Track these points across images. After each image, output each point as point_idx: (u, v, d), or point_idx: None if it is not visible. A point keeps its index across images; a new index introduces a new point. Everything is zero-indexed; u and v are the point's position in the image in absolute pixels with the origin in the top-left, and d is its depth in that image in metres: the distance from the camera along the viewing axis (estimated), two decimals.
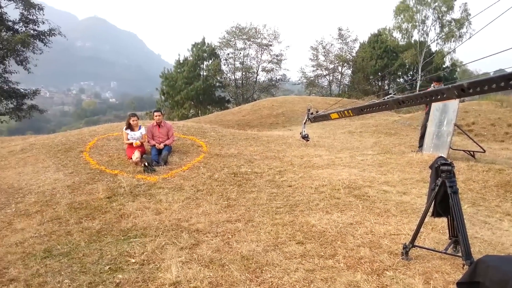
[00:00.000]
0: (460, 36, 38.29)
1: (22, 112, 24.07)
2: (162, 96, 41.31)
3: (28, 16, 23.12)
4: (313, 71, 44.42)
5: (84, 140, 9.57)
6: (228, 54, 41.57)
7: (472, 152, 8.95)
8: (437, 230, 4.86)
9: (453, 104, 8.89)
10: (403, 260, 4.07)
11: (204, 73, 40.15)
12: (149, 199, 6.41)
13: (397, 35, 41.15)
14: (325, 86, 44.99)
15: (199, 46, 40.24)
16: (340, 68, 44.30)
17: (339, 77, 44.85)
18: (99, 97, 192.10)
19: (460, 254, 3.78)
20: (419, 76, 38.91)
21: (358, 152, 9.83)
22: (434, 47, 41.62)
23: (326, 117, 7.90)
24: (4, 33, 21.60)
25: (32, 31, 23.05)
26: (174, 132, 9.23)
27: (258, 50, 41.60)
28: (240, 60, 41.74)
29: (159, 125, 8.80)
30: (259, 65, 42.33)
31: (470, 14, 37.88)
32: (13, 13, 23.22)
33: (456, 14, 38.78)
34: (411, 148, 10.31)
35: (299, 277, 3.75)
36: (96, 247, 4.65)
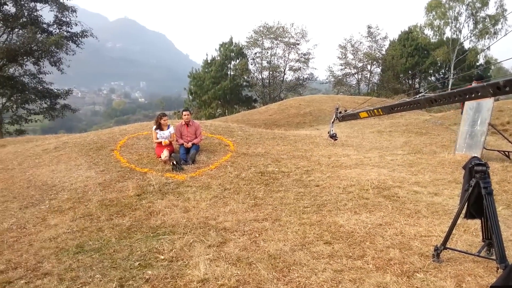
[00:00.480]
0: (495, 33, 37.10)
1: (55, 111, 24.86)
2: (189, 96, 41.79)
3: (62, 18, 23.88)
4: (341, 69, 44.02)
5: (114, 139, 9.79)
6: (256, 53, 41.68)
7: (507, 153, 8.65)
8: (469, 232, 4.71)
9: (488, 103, 8.60)
10: (434, 262, 3.97)
11: (232, 73, 40.38)
12: (177, 197, 6.49)
13: (428, 32, 40.24)
14: (354, 85, 44.46)
15: (226, 46, 40.48)
16: (369, 67, 43.72)
17: (368, 75, 44.27)
18: (128, 97, 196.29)
19: (494, 257, 3.65)
20: (451, 74, 37.89)
21: (387, 152, 9.65)
22: (467, 45, 40.49)
23: (354, 116, 7.79)
24: (39, 35, 22.36)
25: (65, 33, 23.79)
26: (202, 131, 9.32)
27: (285, 49, 41.52)
28: (267, 59, 41.77)
29: (187, 124, 8.91)
30: (286, 64, 42.25)
31: (506, 10, 36.56)
32: (47, 15, 24.02)
33: (491, 10, 37.58)
34: (443, 148, 10.04)
35: (327, 277, 3.71)
36: (126, 244, 4.75)
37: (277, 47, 41.47)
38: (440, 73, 43.72)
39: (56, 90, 25.14)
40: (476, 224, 4.61)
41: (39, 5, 23.43)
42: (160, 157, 8.19)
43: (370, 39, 42.52)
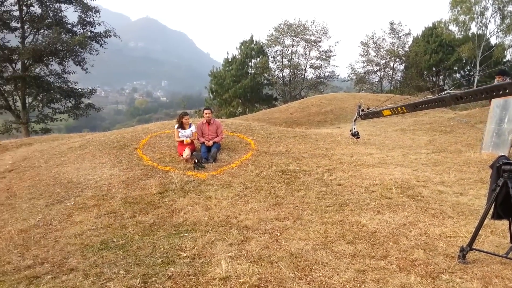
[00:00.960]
0: None
1: (80, 110, 25.34)
2: (210, 94, 42.02)
3: (86, 18, 24.30)
4: (363, 67, 43.49)
5: (137, 138, 9.92)
6: (276, 51, 41.57)
7: None
8: (497, 233, 4.58)
9: None
10: (460, 263, 3.88)
11: (252, 71, 40.39)
12: (199, 195, 6.54)
13: (453, 28, 39.26)
14: (376, 83, 43.89)
15: (247, 44, 40.52)
16: (391, 64, 43.06)
17: (391, 72, 43.61)
18: (150, 96, 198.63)
19: None
20: (477, 71, 36.94)
21: (411, 151, 9.49)
22: (493, 40, 39.30)
23: (377, 114, 7.69)
24: (64, 35, 22.81)
25: (89, 33, 24.21)
26: (223, 129, 9.36)
27: (306, 46, 41.28)
28: (288, 57, 41.60)
29: (208, 122, 8.96)
30: (307, 62, 42.02)
31: None
32: (72, 16, 24.51)
33: None
34: (469, 146, 9.80)
35: (350, 277, 3.67)
36: (149, 241, 4.82)
37: (298, 45, 41.29)
38: (465, 70, 42.64)
39: (80, 90, 25.61)
40: (503, 225, 4.49)
41: (63, 6, 23.91)
42: (182, 155, 8.26)
43: (393, 35, 41.90)
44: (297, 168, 7.90)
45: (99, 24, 24.72)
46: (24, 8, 22.71)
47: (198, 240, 4.73)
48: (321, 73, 42.32)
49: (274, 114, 23.10)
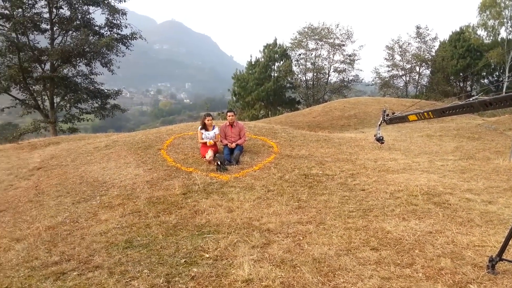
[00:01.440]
0: None
1: (106, 111, 25.79)
2: (233, 97, 42.15)
3: (113, 21, 24.74)
4: (388, 71, 42.87)
5: (161, 139, 10.04)
6: (300, 54, 41.42)
7: None
8: None
9: None
10: (488, 273, 3.76)
11: (275, 74, 40.34)
12: (221, 197, 6.56)
13: (481, 33, 38.35)
14: (401, 87, 43.18)
15: (270, 47, 40.52)
16: (417, 68, 42.32)
17: (417, 77, 42.84)
18: (174, 98, 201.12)
19: None
20: (506, 77, 35.91)
21: (437, 157, 9.30)
22: None
23: (403, 119, 7.55)
24: (91, 37, 23.29)
25: (115, 35, 24.63)
26: (246, 132, 9.37)
27: (330, 50, 40.99)
28: (312, 60, 41.38)
29: (231, 125, 8.99)
30: (330, 66, 41.71)
31: None
32: (99, 18, 25.02)
33: None
34: (497, 154, 9.54)
35: (374, 284, 3.61)
36: (172, 241, 4.86)
37: (321, 48, 41.03)
38: (494, 75, 41.53)
39: (106, 90, 26.07)
40: None
41: (91, 8, 24.45)
42: (205, 157, 8.31)
43: (419, 39, 41.18)
44: (320, 172, 7.84)
45: (126, 27, 25.12)
46: (54, 10, 23.28)
47: (220, 241, 4.74)
48: (345, 77, 42.01)
49: (297, 117, 23.03)
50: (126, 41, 25.03)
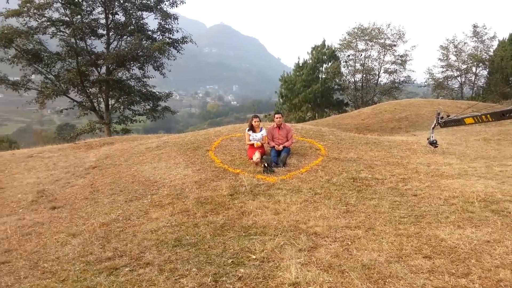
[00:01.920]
0: None
1: (157, 112, 26.61)
2: (280, 99, 42.08)
3: (165, 25, 25.51)
4: (442, 72, 41.13)
5: (210, 140, 10.21)
6: (349, 56, 40.65)
7: None
8: None
9: None
10: None
11: (323, 76, 39.87)
12: (268, 199, 6.55)
13: None
14: (456, 89, 41.28)
15: (318, 48, 40.10)
16: (474, 69, 40.25)
17: (473, 78, 40.76)
18: (222, 100, 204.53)
19: None
20: None
21: (495, 162, 8.78)
22: None
23: (458, 122, 7.22)
24: (145, 41, 24.14)
25: (167, 39, 25.36)
26: (293, 134, 9.32)
27: (380, 51, 39.93)
28: (361, 61, 40.52)
29: (279, 127, 8.97)
30: (381, 67, 40.59)
31: None
32: (152, 23, 25.90)
33: None
34: None
35: None
36: (220, 241, 4.91)
37: (371, 49, 40.05)
38: None
39: (158, 93, 26.89)
40: None
41: (145, 14, 25.36)
42: (252, 158, 8.35)
43: (476, 39, 39.17)
44: (369, 176, 7.64)
45: (177, 31, 25.79)
46: (110, 16, 24.39)
47: (267, 243, 4.73)
48: (395, 78, 40.71)
49: (345, 119, 22.64)
50: (177, 45, 25.68)
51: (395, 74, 40.49)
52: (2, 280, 4.40)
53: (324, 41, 40.46)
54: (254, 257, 4.37)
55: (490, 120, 6.14)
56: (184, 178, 7.71)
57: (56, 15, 22.70)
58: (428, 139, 10.34)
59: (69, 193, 7.96)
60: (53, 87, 22.87)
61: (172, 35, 25.84)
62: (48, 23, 22.35)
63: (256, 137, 8.72)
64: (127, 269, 4.30)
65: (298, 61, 40.97)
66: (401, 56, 39.78)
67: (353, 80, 41.38)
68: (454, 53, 40.14)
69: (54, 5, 22.09)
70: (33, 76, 23.61)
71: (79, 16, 22.87)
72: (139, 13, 25.10)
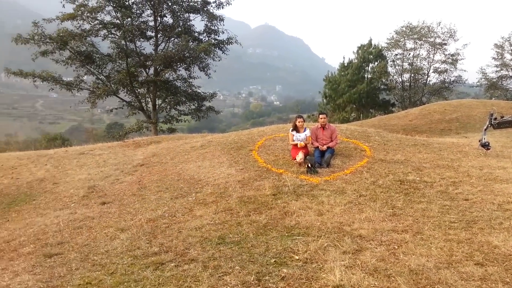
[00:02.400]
0: None
1: (202, 112, 27.10)
2: (324, 99, 41.59)
3: (211, 27, 25.94)
4: (496, 71, 39.07)
5: (253, 140, 10.27)
6: (396, 55, 39.57)
7: None
8: None
9: None
10: None
11: (369, 76, 39.00)
12: (311, 200, 6.49)
13: None
14: (511, 89, 39.11)
15: (364, 48, 39.26)
16: None
17: None
18: (265, 100, 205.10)
19: None
20: None
21: None
22: None
23: None
24: (191, 43, 24.66)
25: (213, 40, 25.78)
26: (337, 135, 9.18)
27: (430, 49, 38.53)
28: (409, 61, 39.29)
29: (323, 127, 8.88)
30: (430, 66, 39.16)
31: None
32: (198, 24, 26.39)
33: None
34: None
35: None
36: (262, 240, 4.93)
37: (420, 48, 38.74)
38: None
39: (202, 93, 27.41)
40: None
41: (192, 16, 25.91)
42: (295, 159, 8.31)
43: None
44: (417, 178, 7.39)
45: (222, 32, 26.15)
46: (158, 18, 25.14)
47: (310, 244, 4.69)
48: (446, 78, 39.13)
49: (391, 120, 22.05)
50: (222, 46, 26.05)
51: (445, 73, 38.96)
52: (55, 271, 4.64)
53: (370, 40, 39.57)
54: (297, 257, 4.35)
55: None
56: (227, 177, 7.80)
57: (107, 18, 23.75)
58: (480, 140, 9.87)
59: (118, 189, 8.27)
60: (104, 87, 23.87)
61: (218, 36, 26.21)
62: (100, 25, 23.42)
63: (300, 137, 8.67)
64: (172, 264, 4.41)
65: (343, 61, 40.32)
66: (452, 55, 38.21)
67: (401, 80, 40.24)
68: (510, 51, 38.01)
69: (106, 8, 23.11)
70: (85, 77, 24.80)
71: (129, 19, 23.73)
72: (186, 15, 25.67)
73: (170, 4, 24.93)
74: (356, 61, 39.23)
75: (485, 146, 9.66)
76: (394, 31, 39.18)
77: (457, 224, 5.22)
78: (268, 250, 4.60)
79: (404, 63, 39.53)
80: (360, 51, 39.35)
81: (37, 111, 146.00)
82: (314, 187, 7.10)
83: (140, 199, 7.39)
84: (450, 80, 39.01)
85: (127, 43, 24.09)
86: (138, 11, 24.57)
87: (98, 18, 23.18)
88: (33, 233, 6.27)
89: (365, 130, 11.81)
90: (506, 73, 38.69)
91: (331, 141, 8.78)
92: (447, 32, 37.53)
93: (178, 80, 26.57)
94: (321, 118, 8.95)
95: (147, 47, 25.70)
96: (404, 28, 38.30)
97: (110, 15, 23.70)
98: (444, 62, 38.55)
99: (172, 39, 25.76)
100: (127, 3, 23.70)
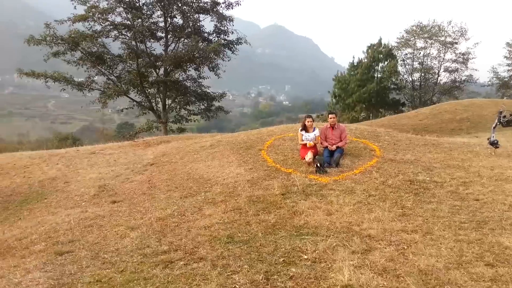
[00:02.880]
0: None
1: (211, 112, 27.19)
2: (333, 99, 41.46)
3: (221, 27, 25.98)
4: (508, 70, 38.65)
5: (262, 140, 10.28)
6: (406, 54, 39.40)
7: None
8: None
9: None
10: None
11: (378, 75, 38.79)
12: (320, 199, 6.49)
13: None
14: None
15: (374, 47, 39.09)
16: None
17: None
18: (274, 100, 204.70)
19: None
20: None
21: None
22: None
23: None
24: (201, 43, 24.72)
25: (223, 41, 25.82)
26: (347, 134, 9.15)
27: (440, 49, 38.25)
28: (419, 60, 39.07)
29: (332, 127, 8.85)
30: (440, 65, 38.93)
31: None
32: (208, 25, 26.48)
33: None
34: None
35: None
36: (271, 239, 4.95)
37: (431, 47, 38.50)
38: None
39: (212, 93, 27.47)
40: None
41: (201, 16, 25.97)
42: (304, 158, 8.29)
43: None
44: (427, 178, 7.34)
45: (232, 32, 26.16)
46: (168, 19, 25.25)
47: (319, 244, 4.70)
48: (457, 77, 38.84)
49: (401, 120, 21.93)
50: (232, 46, 26.07)
51: (456, 73, 38.72)
52: (66, 269, 4.71)
53: (380, 40, 39.41)
54: (305, 257, 4.36)
55: None
56: (236, 176, 7.83)
57: (118, 19, 23.92)
58: (488, 139, 9.76)
59: (128, 188, 8.35)
60: (114, 87, 24.06)
61: (227, 36, 26.25)
62: (111, 27, 23.60)
63: (309, 137, 8.66)
64: (181, 263, 4.45)
65: (353, 60, 40.18)
66: (463, 54, 37.94)
67: (411, 79, 40.05)
68: None
69: (116, 9, 23.27)
70: (96, 77, 24.99)
71: (139, 20, 23.85)
72: (196, 15, 25.72)
73: (180, 5, 25.02)
74: (366, 60, 39.08)
75: (494, 144, 9.54)
76: (404, 30, 39.11)
77: (467, 225, 5.18)
78: (276, 249, 4.62)
79: (414, 62, 39.39)
80: (370, 51, 39.18)
81: (49, 111, 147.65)
82: (323, 186, 7.09)
83: (150, 198, 7.45)
84: (461, 79, 38.76)
85: (138, 43, 24.22)
86: (148, 12, 24.69)
87: (109, 19, 23.36)
88: (44, 231, 6.35)
89: (375, 129, 11.75)
90: None
91: (341, 141, 8.75)
92: (458, 31, 37.31)
93: (187, 80, 26.66)
94: (331, 118, 8.93)
95: (157, 48, 25.83)
96: (414, 27, 38.16)
97: (121, 16, 23.89)
98: (455, 61, 38.33)
99: (182, 39, 25.82)
100: (137, 4, 23.85)
